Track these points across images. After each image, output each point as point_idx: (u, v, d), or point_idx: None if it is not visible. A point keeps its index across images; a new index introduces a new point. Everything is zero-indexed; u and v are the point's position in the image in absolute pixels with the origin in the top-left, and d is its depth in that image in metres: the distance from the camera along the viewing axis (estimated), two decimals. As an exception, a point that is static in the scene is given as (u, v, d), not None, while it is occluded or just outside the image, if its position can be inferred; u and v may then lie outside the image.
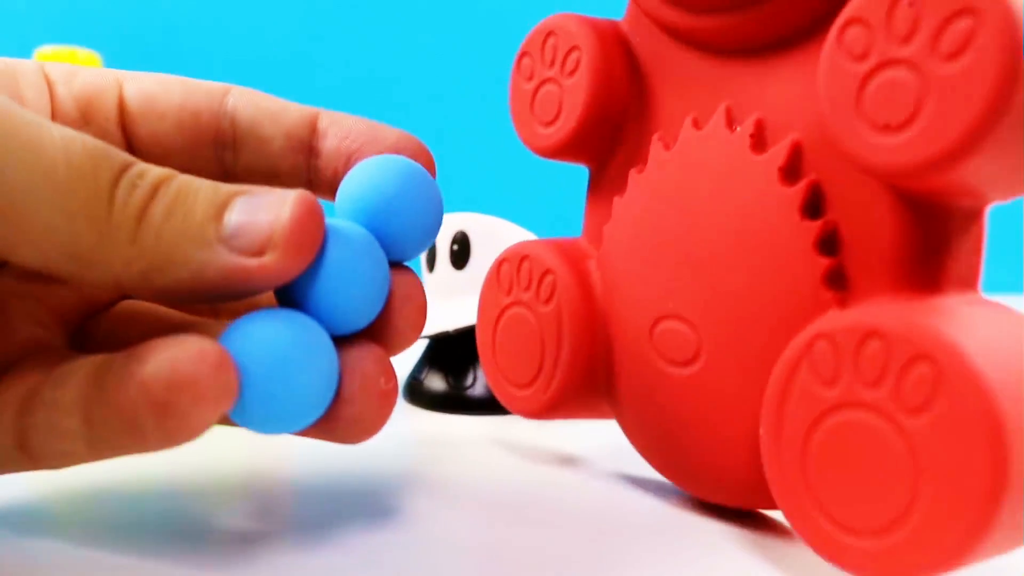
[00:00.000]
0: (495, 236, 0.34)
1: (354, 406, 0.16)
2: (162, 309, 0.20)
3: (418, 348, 0.40)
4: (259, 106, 0.19)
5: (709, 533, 0.21)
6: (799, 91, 0.20)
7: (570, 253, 0.25)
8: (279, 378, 0.15)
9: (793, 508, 0.19)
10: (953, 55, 0.16)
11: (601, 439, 0.30)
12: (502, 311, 0.26)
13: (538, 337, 0.25)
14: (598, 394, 0.25)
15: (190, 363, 0.13)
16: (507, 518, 0.22)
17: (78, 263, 0.14)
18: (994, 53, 0.16)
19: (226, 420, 0.17)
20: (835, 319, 0.18)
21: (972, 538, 0.16)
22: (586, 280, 0.25)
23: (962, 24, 0.16)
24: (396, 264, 0.18)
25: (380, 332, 0.18)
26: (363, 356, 0.17)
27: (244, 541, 0.20)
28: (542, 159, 0.26)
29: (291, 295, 0.16)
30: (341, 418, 0.17)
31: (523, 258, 0.26)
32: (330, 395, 0.16)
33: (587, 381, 0.25)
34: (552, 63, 0.25)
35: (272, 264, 0.14)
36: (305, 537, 0.21)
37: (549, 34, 0.25)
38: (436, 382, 0.35)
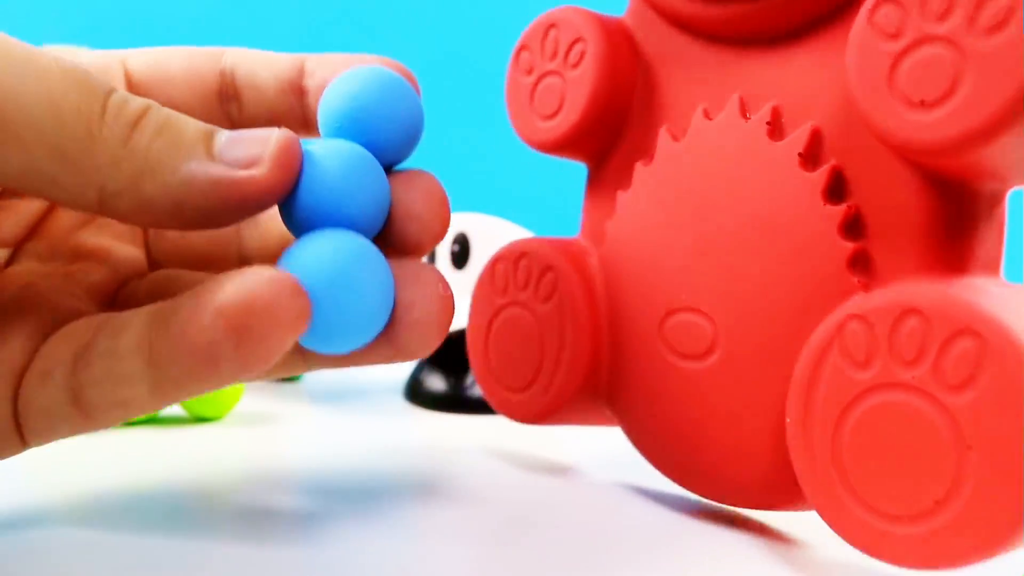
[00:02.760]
0: (495, 237, 0.34)
1: (415, 310, 0.16)
2: (197, 274, 0.20)
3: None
4: (253, 58, 0.20)
5: (710, 540, 0.21)
6: (815, 79, 0.20)
7: (570, 250, 0.24)
8: (343, 293, 0.15)
9: (825, 499, 0.18)
10: (992, 29, 0.16)
11: (600, 438, 0.29)
12: (497, 312, 0.25)
13: (537, 337, 0.24)
14: (598, 398, 0.24)
15: (267, 288, 0.13)
16: (506, 520, 0.22)
17: (63, 164, 0.14)
18: (1035, 26, 0.16)
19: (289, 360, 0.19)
20: (867, 300, 0.18)
21: (1020, 520, 0.16)
22: (588, 277, 0.24)
23: (1002, -2, 0.16)
24: (395, 170, 0.18)
25: (406, 232, 0.17)
26: (412, 265, 0.17)
27: (241, 540, 0.20)
28: (542, 157, 0.26)
29: (298, 217, 0.16)
30: (405, 325, 0.16)
31: (521, 255, 0.25)
32: (390, 305, 0.16)
33: (588, 383, 0.24)
34: (554, 55, 0.24)
35: (261, 176, 0.15)
36: (303, 536, 0.20)
37: (551, 27, 0.24)
38: (436, 382, 0.35)
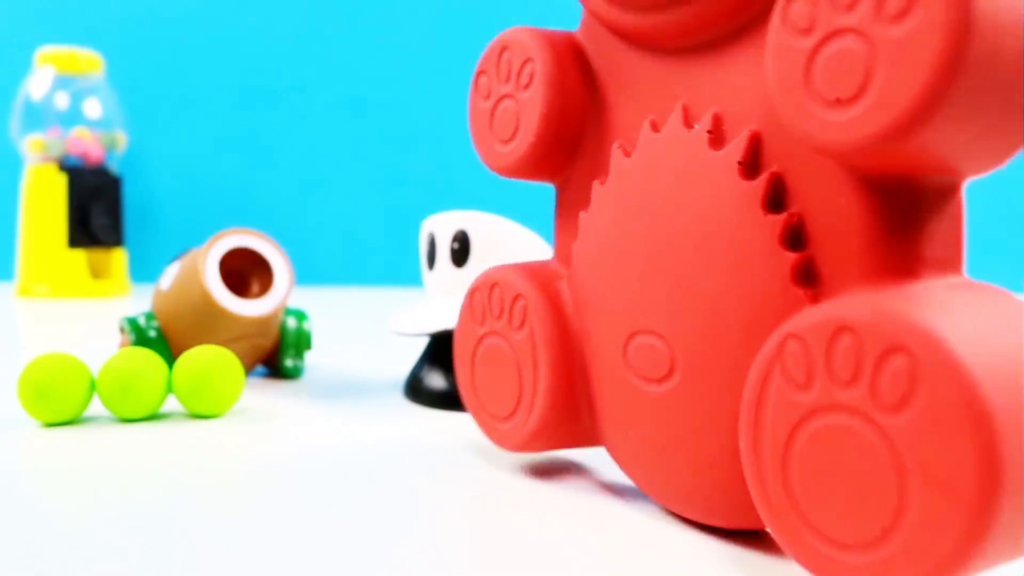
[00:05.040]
0: (495, 235, 0.33)
1: None
2: None
3: (419, 346, 0.39)
4: None
5: (695, 548, 0.20)
6: (755, 82, 0.19)
7: (539, 275, 0.24)
8: None
9: (780, 526, 0.17)
10: (899, 16, 0.15)
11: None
12: (478, 342, 0.25)
13: (515, 366, 0.24)
14: (582, 421, 0.23)
15: None
16: (504, 519, 0.22)
17: None
18: (942, 9, 0.14)
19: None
20: (805, 316, 0.17)
21: (966, 546, 0.14)
22: (557, 302, 0.23)
23: (905, -18, 0.15)
24: None
25: None
26: None
27: (239, 537, 0.20)
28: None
29: None
30: None
31: (493, 285, 0.24)
32: None
33: (569, 407, 0.23)
34: (508, 78, 0.24)
35: None
36: (301, 534, 0.20)
37: (503, 49, 0.24)
38: (437, 380, 0.35)
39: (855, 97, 0.16)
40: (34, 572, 0.18)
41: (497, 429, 0.25)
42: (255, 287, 0.41)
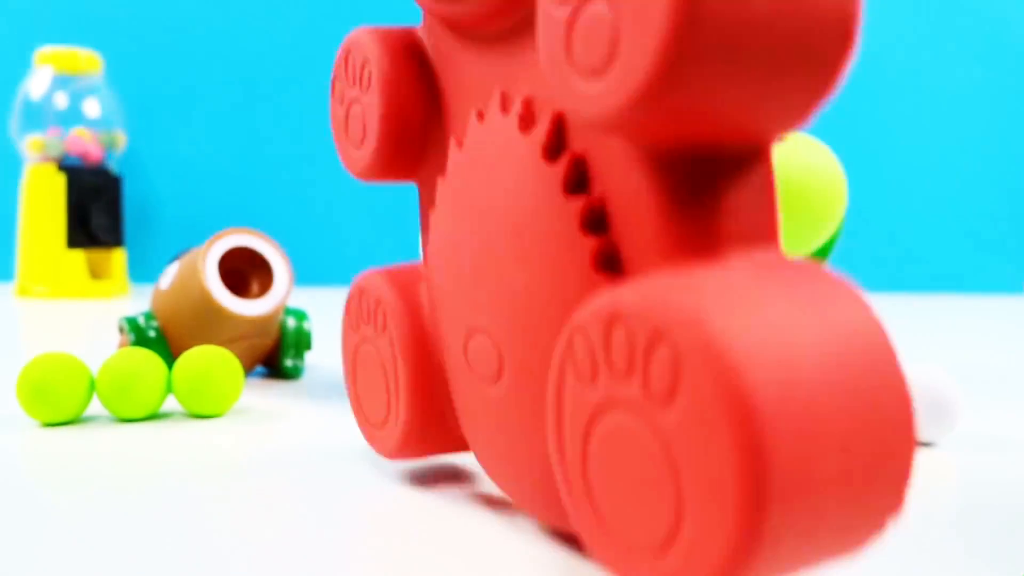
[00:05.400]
0: None
1: None
2: None
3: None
4: None
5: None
6: (560, 57, 0.18)
7: (400, 279, 0.23)
8: None
9: (584, 528, 0.16)
10: (633, -28, 0.14)
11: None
12: (355, 349, 0.24)
13: (382, 372, 0.23)
14: (449, 426, 0.22)
15: None
16: (500, 514, 0.21)
17: None
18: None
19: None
20: (583, 309, 0.15)
21: (736, 555, 0.13)
22: (416, 306, 0.22)
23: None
24: None
25: None
26: None
27: (237, 533, 0.20)
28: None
29: None
30: None
31: (361, 292, 0.24)
32: None
33: (434, 412, 0.22)
34: (354, 81, 0.23)
35: None
36: (300, 531, 0.20)
37: (348, 52, 0.23)
38: None
39: (607, 64, 0.14)
40: (34, 572, 0.18)
41: (374, 436, 0.24)
42: (255, 287, 0.41)
